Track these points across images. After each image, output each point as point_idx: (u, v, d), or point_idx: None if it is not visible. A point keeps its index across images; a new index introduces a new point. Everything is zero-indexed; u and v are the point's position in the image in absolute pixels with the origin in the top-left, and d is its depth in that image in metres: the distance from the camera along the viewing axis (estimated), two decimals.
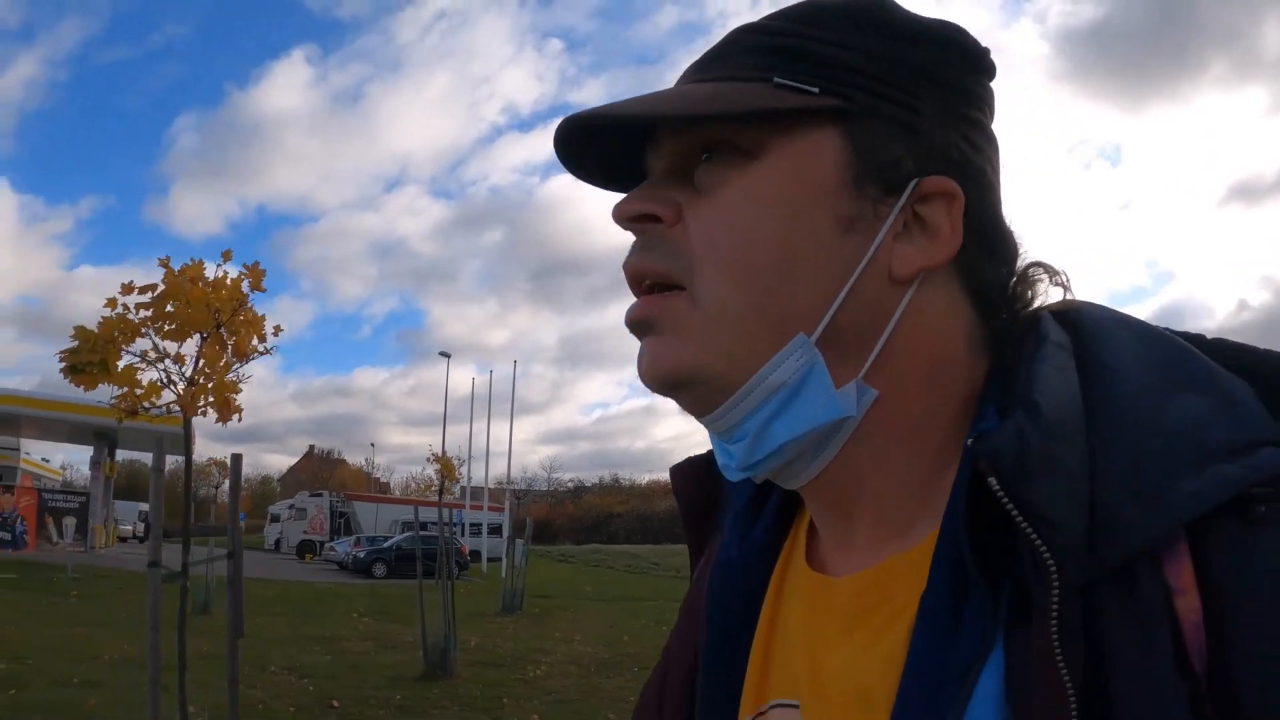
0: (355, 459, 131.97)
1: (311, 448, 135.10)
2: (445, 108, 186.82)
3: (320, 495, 60.37)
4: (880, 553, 0.77)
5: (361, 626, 20.38)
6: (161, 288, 5.82)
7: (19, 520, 26.21)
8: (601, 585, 37.33)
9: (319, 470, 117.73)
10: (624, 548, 64.51)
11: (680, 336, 0.76)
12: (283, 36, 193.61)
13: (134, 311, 5.78)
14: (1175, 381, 0.67)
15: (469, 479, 56.36)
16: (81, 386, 5.93)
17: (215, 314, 5.83)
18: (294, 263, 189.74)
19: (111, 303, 5.91)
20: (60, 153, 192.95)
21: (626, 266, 0.81)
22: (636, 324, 0.80)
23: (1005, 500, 0.62)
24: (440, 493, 20.25)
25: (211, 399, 6.13)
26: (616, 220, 0.82)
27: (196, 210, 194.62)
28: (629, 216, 0.80)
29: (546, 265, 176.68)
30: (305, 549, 53.19)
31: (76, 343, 5.78)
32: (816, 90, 0.74)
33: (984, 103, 0.82)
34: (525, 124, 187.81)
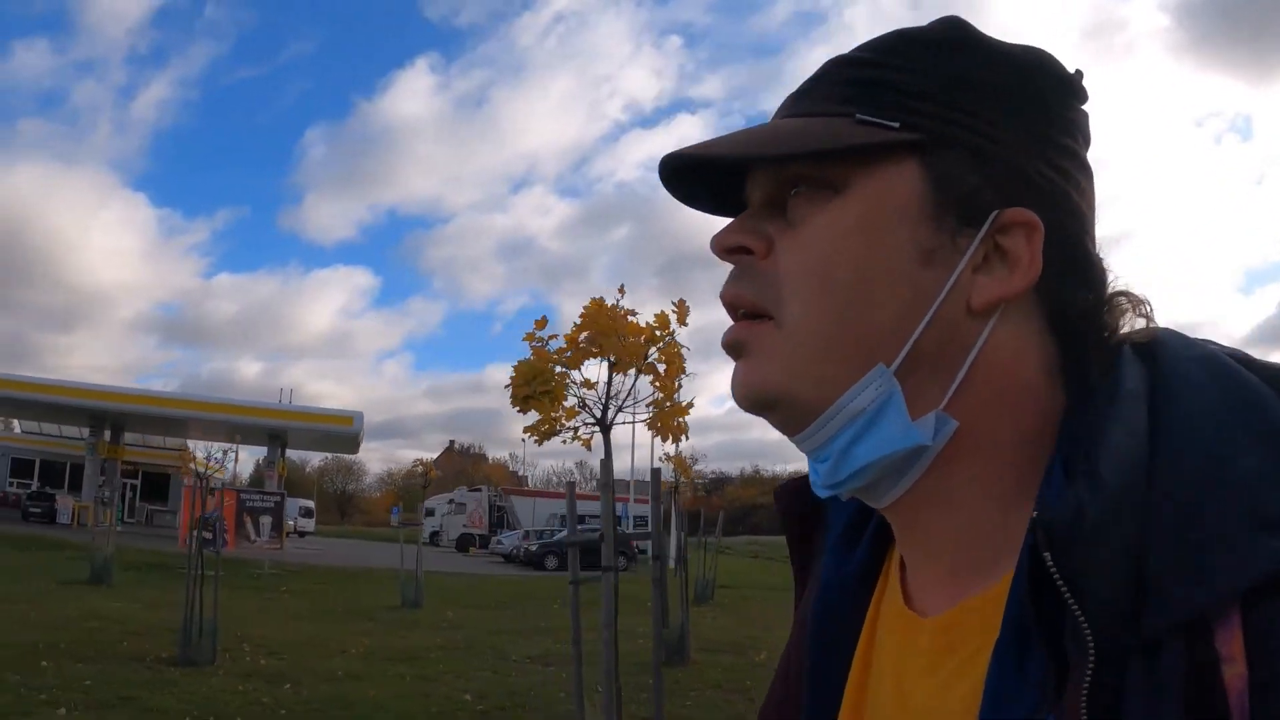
0: (494, 454, 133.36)
1: (452, 443, 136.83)
2: (568, 108, 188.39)
3: (479, 490, 61.16)
4: (959, 592, 0.77)
5: (569, 617, 20.44)
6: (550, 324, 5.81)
7: (220, 521, 26.84)
8: (771, 575, 37.33)
9: (460, 465, 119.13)
10: (777, 539, 64.37)
11: (767, 360, 0.79)
12: (405, 47, 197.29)
13: (550, 343, 5.85)
14: (1243, 438, 0.64)
15: (632, 473, 56.40)
16: (532, 412, 6.05)
17: (646, 346, 5.92)
18: (426, 264, 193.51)
19: (530, 337, 6.01)
20: (195, 168, 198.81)
21: (723, 295, 0.83)
22: (730, 346, 0.82)
23: (1054, 572, 0.62)
24: (675, 490, 20.11)
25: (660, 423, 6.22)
26: (714, 252, 0.85)
27: (329, 217, 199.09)
28: (725, 249, 0.84)
29: (674, 259, 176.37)
30: (465, 542, 53.80)
31: (511, 377, 5.85)
32: (896, 125, 0.75)
33: (1073, 127, 0.81)
34: (648, 120, 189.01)
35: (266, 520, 27.71)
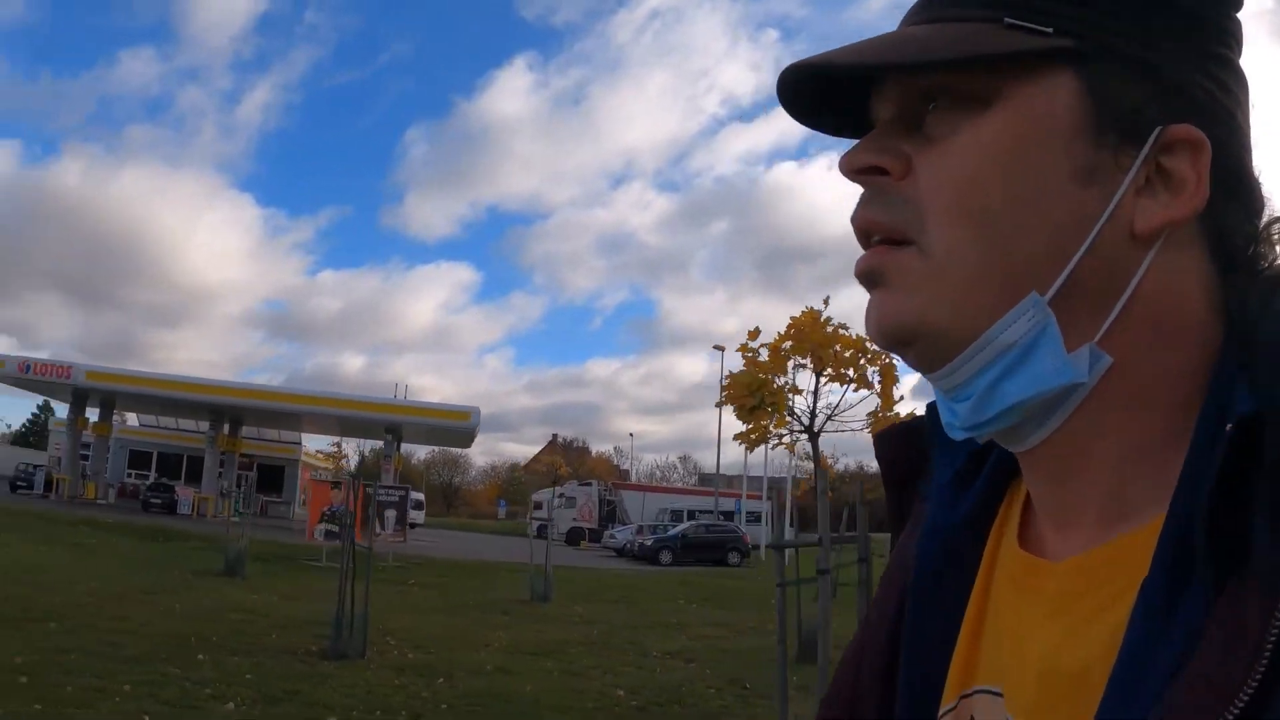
0: (598, 447, 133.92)
1: (555, 436, 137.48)
2: (666, 103, 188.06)
3: (589, 484, 61.48)
4: (1102, 535, 0.69)
5: (695, 613, 20.47)
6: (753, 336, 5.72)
7: (348, 514, 27.22)
8: None
9: (564, 458, 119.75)
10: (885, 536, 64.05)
11: (908, 289, 0.71)
12: (503, 47, 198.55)
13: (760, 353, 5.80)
14: None
15: (744, 469, 56.35)
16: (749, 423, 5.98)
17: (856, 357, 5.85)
18: (526, 259, 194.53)
19: (744, 348, 5.96)
20: (299, 169, 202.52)
21: (854, 220, 0.75)
22: (865, 276, 0.74)
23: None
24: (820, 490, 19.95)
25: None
26: (843, 173, 0.75)
27: (430, 214, 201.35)
28: (856, 169, 0.74)
29: (774, 253, 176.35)
30: (575, 536, 54.02)
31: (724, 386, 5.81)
32: (1050, 30, 0.67)
33: (1232, 37, 0.72)
34: (745, 114, 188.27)
35: (391, 514, 28.03)
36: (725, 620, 19.17)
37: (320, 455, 75.16)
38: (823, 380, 13.63)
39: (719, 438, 57.65)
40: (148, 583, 18.45)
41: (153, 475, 62.90)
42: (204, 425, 58.00)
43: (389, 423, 47.13)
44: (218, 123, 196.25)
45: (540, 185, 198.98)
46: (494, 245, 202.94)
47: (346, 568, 12.55)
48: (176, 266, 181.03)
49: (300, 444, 65.97)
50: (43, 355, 54.15)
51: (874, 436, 0.99)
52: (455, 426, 47.78)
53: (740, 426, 25.13)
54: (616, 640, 15.30)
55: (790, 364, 13.63)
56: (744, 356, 13.36)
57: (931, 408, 0.85)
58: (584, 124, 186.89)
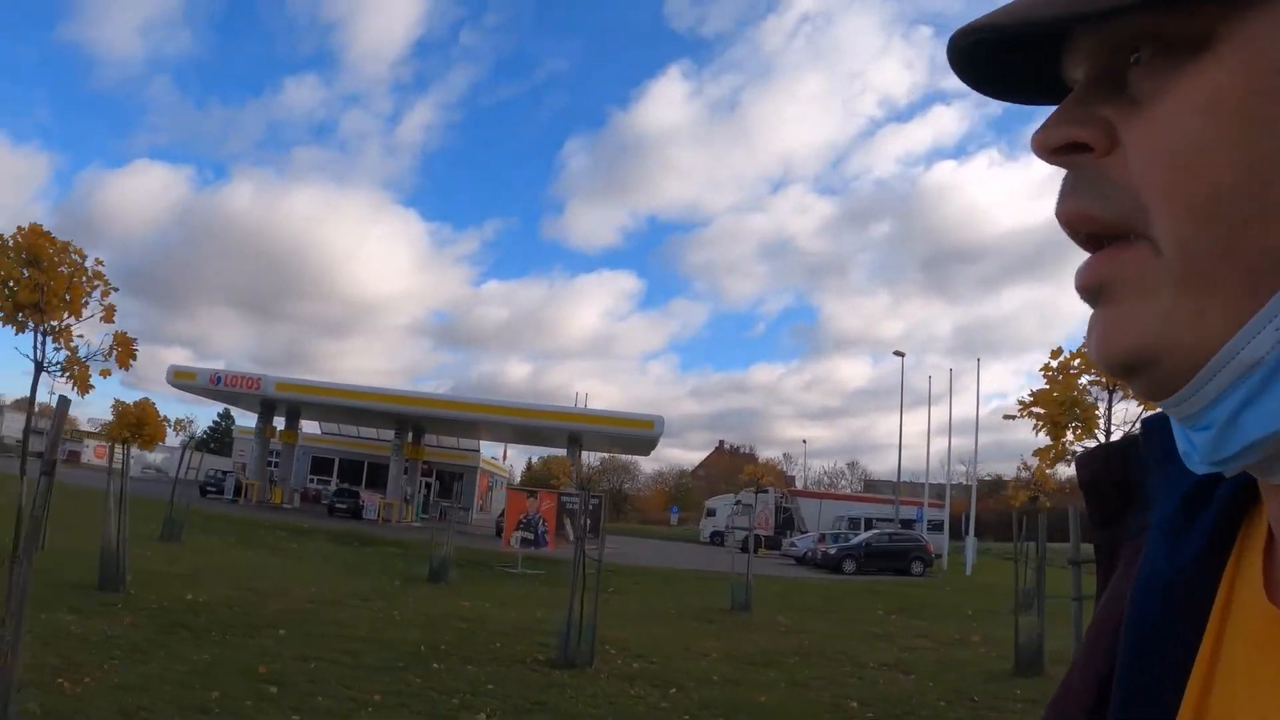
0: (764, 453, 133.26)
1: (721, 443, 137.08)
2: (820, 106, 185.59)
3: (766, 491, 61.13)
4: None
5: (897, 624, 20.30)
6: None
7: (541, 521, 27.60)
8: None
9: (730, 464, 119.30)
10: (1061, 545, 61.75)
11: (1139, 301, 0.56)
12: (655, 57, 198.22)
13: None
14: None
15: (927, 475, 55.58)
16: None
17: None
18: (687, 267, 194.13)
19: (1047, 368, 5.97)
20: (461, 184, 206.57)
21: (1060, 213, 0.60)
22: (1087, 290, 0.60)
23: None
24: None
25: None
26: (1037, 153, 0.61)
27: (591, 224, 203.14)
28: (1051, 148, 0.60)
29: (936, 255, 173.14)
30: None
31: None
32: None
33: None
34: (902, 115, 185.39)
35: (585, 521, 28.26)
36: (927, 631, 18.97)
37: (495, 463, 76.37)
38: (1116, 396, 13.26)
39: (900, 444, 57.03)
40: (361, 588, 18.94)
41: (334, 481, 64.89)
42: (385, 433, 59.59)
43: (571, 431, 47.72)
44: (381, 143, 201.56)
45: (699, 193, 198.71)
46: (655, 253, 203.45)
47: (577, 578, 12.66)
48: (345, 280, 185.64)
49: (478, 450, 67.24)
50: (219, 365, 55.70)
51: (1076, 461, 0.84)
52: (637, 435, 48.18)
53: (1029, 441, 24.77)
54: (829, 650, 15.19)
55: (1082, 381, 13.37)
56: (1045, 376, 13.11)
57: (1151, 425, 0.74)
58: (739, 130, 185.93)
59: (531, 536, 27.64)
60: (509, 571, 26.60)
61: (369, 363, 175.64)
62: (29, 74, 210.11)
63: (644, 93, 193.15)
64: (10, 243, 6.07)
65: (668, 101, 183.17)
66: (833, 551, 40.37)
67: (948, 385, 57.94)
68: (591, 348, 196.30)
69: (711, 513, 65.17)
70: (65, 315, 6.09)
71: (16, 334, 6.33)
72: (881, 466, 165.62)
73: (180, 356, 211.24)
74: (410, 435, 53.50)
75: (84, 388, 6.20)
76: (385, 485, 55.54)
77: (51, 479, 6.22)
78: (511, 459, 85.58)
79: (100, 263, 6.07)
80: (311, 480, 63.50)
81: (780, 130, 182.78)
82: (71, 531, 22.73)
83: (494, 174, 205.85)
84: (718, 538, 60.91)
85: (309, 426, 65.06)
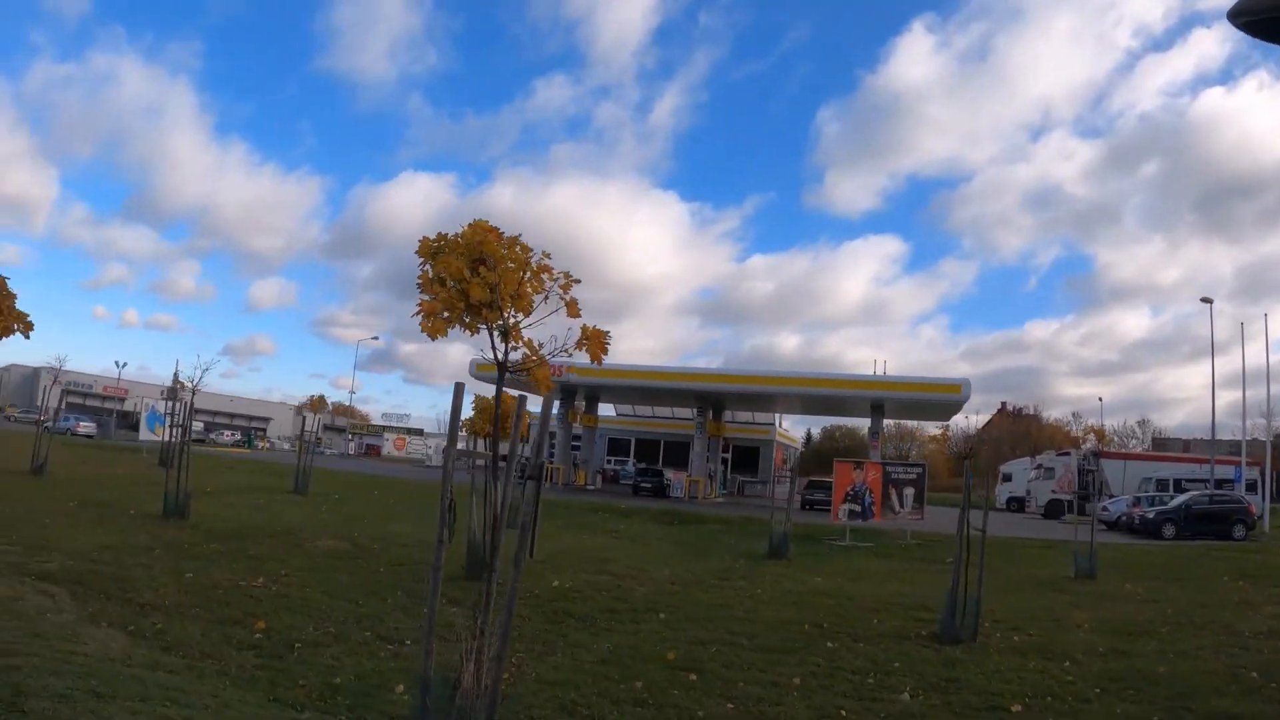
0: (1049, 414, 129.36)
1: (1003, 404, 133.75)
2: (1074, 44, 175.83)
3: (1067, 454, 59.43)
4: None
5: (1255, 591, 19.65)
6: None
7: (868, 493, 27.83)
8: None
9: (1014, 427, 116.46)
10: None
11: None
12: (897, 14, 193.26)
13: None
14: None
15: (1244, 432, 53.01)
16: None
17: None
18: (953, 224, 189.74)
19: None
20: (717, 163, 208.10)
21: None
22: None
23: None
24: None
25: None
26: None
27: (851, 191, 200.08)
28: None
29: (1211, 191, 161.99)
30: (1055, 509, 52.29)
31: None
32: None
33: None
34: (1160, 43, 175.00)
35: (909, 491, 28.23)
36: None
37: (785, 434, 76.64)
38: None
39: (1213, 398, 54.29)
40: (711, 568, 19.60)
41: (631, 461, 66.40)
42: (679, 411, 60.62)
43: (874, 399, 47.48)
44: (634, 131, 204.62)
45: (957, 147, 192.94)
46: (918, 214, 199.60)
47: (961, 554, 12.75)
48: (613, 266, 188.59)
49: (774, 424, 67.80)
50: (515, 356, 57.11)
51: None
52: (943, 400, 47.25)
53: None
54: (1197, 619, 14.97)
55: None
56: None
57: None
58: (992, 79, 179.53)
59: (859, 508, 27.92)
60: (837, 545, 26.81)
61: (641, 344, 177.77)
62: (292, 106, 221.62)
63: (890, 51, 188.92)
64: (459, 241, 6.59)
65: (915, 58, 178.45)
66: (1151, 515, 38.86)
67: (1235, 333, 54.34)
68: (861, 315, 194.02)
69: (1007, 478, 63.62)
70: (514, 312, 6.51)
71: (471, 335, 6.86)
72: (1168, 422, 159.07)
73: (459, 351, 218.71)
74: (711, 412, 54.35)
75: (546, 385, 6.70)
76: (683, 463, 56.47)
77: (540, 484, 6.70)
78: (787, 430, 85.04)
79: (547, 255, 6.49)
80: (609, 461, 65.27)
81: (1034, 74, 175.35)
82: (412, 521, 24.27)
83: (748, 150, 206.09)
84: (1015, 504, 59.62)
85: (603, 409, 66.61)
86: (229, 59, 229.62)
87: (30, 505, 18.44)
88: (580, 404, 57.34)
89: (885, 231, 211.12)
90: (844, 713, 8.61)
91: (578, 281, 6.55)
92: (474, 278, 6.32)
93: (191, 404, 22.82)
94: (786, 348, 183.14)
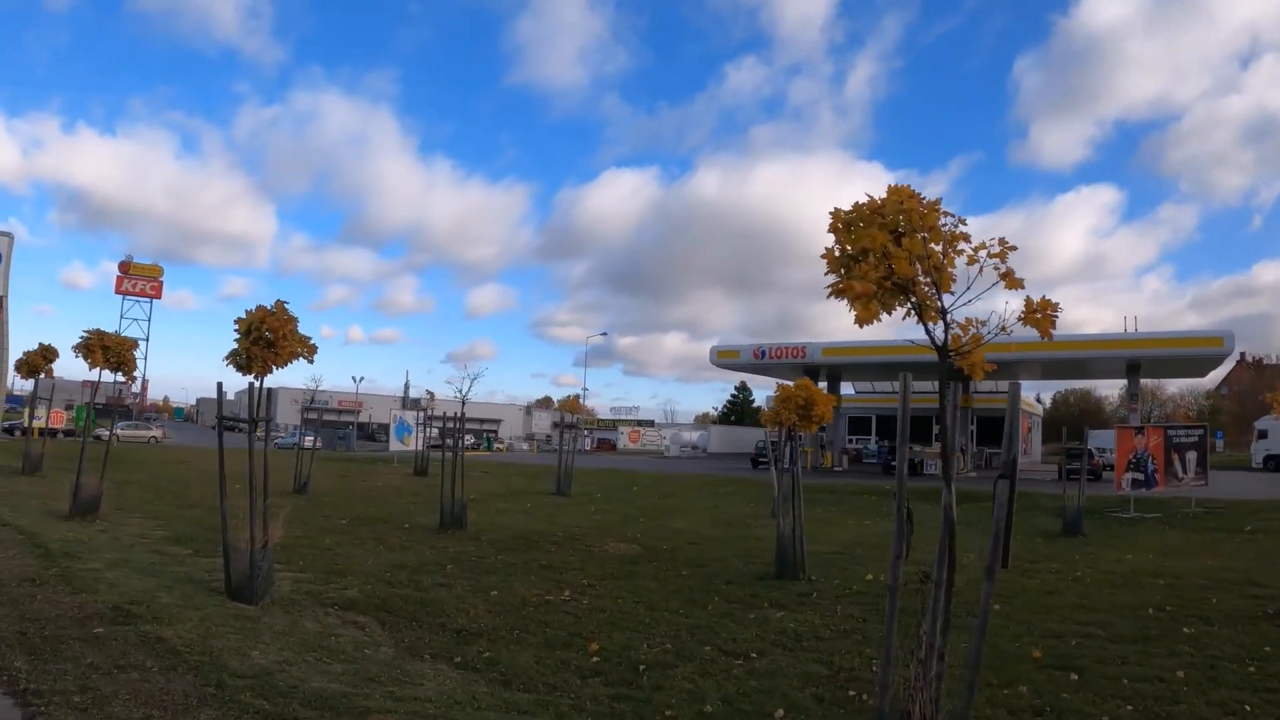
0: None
1: (1242, 355, 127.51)
2: None
3: None
4: None
5: None
6: None
7: (1149, 460, 26.51)
8: None
9: (1256, 379, 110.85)
10: None
11: None
12: None
13: None
14: None
15: None
16: None
17: None
18: (1167, 167, 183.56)
19: None
20: (918, 129, 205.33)
21: None
22: None
23: None
24: None
25: None
26: None
27: (1057, 142, 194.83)
28: None
29: None
30: None
31: None
32: None
33: None
34: None
35: (1191, 455, 26.71)
36: None
37: (1029, 402, 74.62)
38: None
39: None
40: (1014, 550, 18.59)
41: (873, 439, 65.51)
42: (917, 385, 59.25)
43: (1130, 358, 45.75)
44: (831, 105, 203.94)
45: (1162, 85, 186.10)
46: (1130, 160, 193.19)
47: None
48: (822, 243, 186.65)
49: (1020, 392, 65.81)
50: (746, 341, 56.96)
51: None
52: (1203, 354, 44.99)
53: None
54: None
55: None
56: None
57: None
58: (1192, 6, 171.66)
59: (1142, 476, 26.56)
60: (1122, 517, 25.57)
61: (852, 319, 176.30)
62: (490, 121, 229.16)
63: None
64: (876, 210, 5.86)
65: None
66: None
67: None
68: (1079, 271, 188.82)
69: (1263, 434, 60.57)
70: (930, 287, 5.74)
71: (888, 314, 6.20)
72: None
73: (676, 341, 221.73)
74: (961, 384, 53.04)
75: (982, 370, 5.95)
76: (926, 437, 55.50)
77: (1014, 482, 6.15)
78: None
79: (963, 222, 5.65)
80: (851, 440, 64.36)
81: None
82: (690, 517, 23.97)
83: (949, 111, 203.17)
84: (1272, 462, 56.90)
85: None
86: (425, 83, 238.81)
87: (307, 526, 18.56)
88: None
89: (1097, 181, 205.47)
90: (1248, 708, 7.83)
91: (1013, 249, 5.89)
92: (898, 250, 5.66)
93: (463, 414, 22.81)
94: (1006, 311, 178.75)
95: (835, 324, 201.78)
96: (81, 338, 18.66)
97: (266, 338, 10.60)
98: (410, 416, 47.03)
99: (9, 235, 48.26)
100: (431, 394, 41.90)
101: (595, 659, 9.07)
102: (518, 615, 10.92)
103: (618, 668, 8.80)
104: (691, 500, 30.33)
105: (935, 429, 52.38)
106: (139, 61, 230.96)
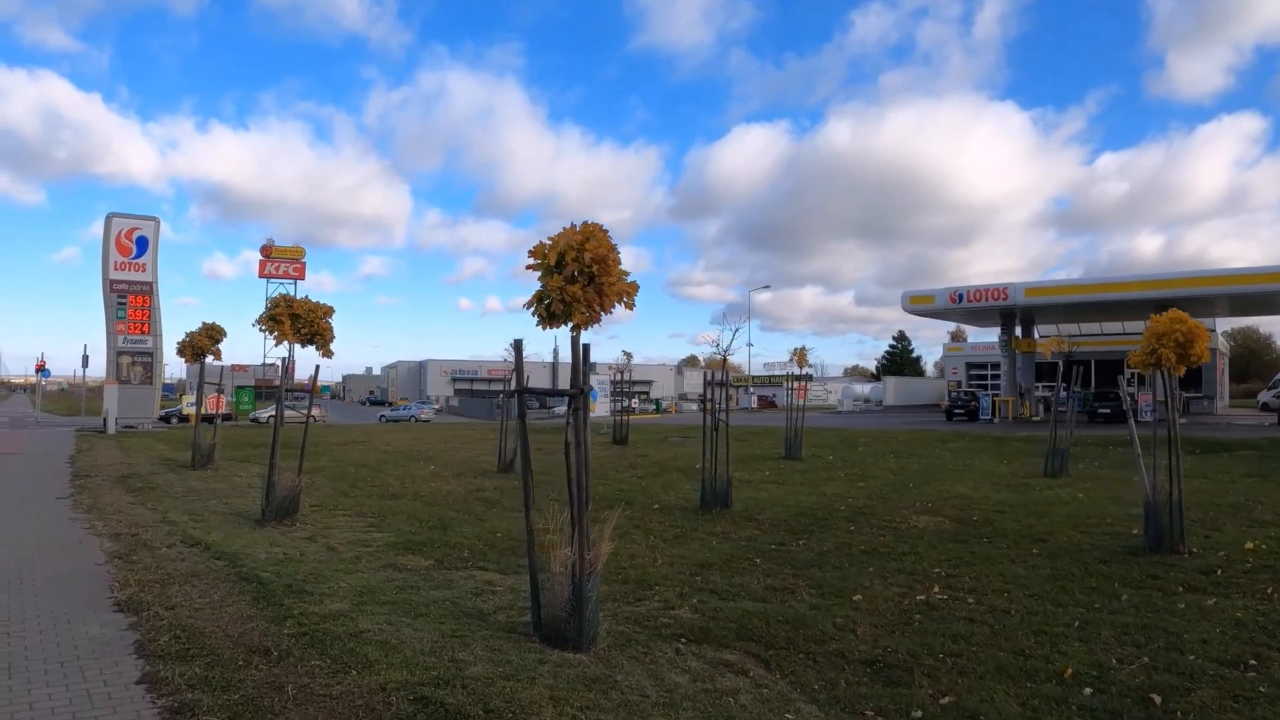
0: None
1: None
2: None
3: None
4: None
5: None
6: None
7: None
8: None
9: None
10: None
11: None
12: None
13: None
14: None
15: None
16: None
17: None
18: None
19: None
20: (1052, 63, 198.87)
21: None
22: None
23: None
24: None
25: None
26: None
27: (1195, 71, 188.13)
28: None
29: None
30: None
31: None
32: None
33: None
34: None
35: None
36: None
37: None
38: None
39: None
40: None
41: (1060, 385, 61.75)
42: (1108, 326, 56.05)
43: None
44: (960, 46, 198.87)
45: None
46: (1272, 85, 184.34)
47: None
48: (958, 188, 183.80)
49: (1215, 332, 61.77)
50: (944, 286, 54.32)
51: None
52: None
53: None
54: None
55: None
56: None
57: None
58: None
59: None
60: None
61: (994, 264, 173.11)
62: (617, 86, 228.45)
63: None
64: None
65: None
66: None
67: None
68: (1223, 205, 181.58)
69: None
70: None
71: None
72: None
73: (810, 295, 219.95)
74: None
75: None
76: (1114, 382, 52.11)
77: None
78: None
79: None
80: (1038, 387, 61.08)
81: None
82: (969, 482, 21.32)
83: (1081, 44, 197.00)
84: None
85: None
86: (549, 53, 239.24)
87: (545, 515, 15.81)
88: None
89: (1239, 109, 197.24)
90: None
91: None
92: None
93: (725, 373, 20.20)
94: (1146, 250, 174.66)
95: (978, 268, 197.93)
96: (268, 308, 16.01)
97: (590, 271, 7.50)
98: (595, 381, 44.64)
99: (155, 220, 47.57)
100: (629, 354, 39.57)
101: (1088, 691, 6.66)
102: (917, 631, 8.43)
103: (1121, 699, 6.49)
104: (936, 458, 27.85)
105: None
106: (266, 57, 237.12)
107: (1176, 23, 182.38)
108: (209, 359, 26.08)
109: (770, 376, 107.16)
